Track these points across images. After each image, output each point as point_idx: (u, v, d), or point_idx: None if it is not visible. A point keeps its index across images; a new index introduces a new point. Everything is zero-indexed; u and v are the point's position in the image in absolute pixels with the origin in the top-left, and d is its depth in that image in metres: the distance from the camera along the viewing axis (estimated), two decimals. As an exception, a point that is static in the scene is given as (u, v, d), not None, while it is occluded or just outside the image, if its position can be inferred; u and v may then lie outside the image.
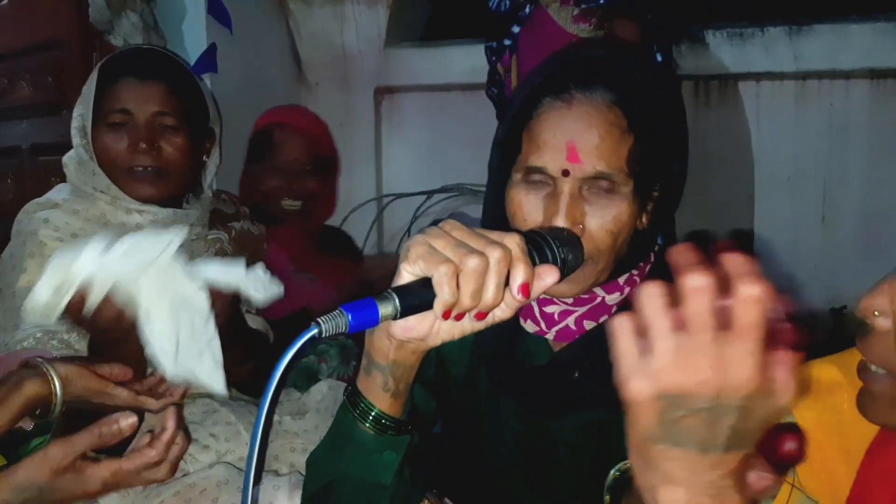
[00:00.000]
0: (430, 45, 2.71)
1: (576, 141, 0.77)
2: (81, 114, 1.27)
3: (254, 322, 1.35)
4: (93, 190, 1.24)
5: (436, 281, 0.62)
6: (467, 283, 0.62)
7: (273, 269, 1.70)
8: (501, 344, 0.90)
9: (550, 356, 0.89)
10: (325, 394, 1.34)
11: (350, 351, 1.48)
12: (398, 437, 0.77)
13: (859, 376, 0.65)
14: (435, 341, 0.69)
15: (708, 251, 0.51)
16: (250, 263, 1.42)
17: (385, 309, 0.62)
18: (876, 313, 0.62)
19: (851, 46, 2.19)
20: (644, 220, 0.84)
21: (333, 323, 0.60)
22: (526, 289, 0.63)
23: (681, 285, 0.48)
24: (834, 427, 0.69)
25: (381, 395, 0.75)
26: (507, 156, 0.85)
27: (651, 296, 0.50)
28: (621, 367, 0.51)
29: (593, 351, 0.85)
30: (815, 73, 2.25)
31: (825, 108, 2.26)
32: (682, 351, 0.49)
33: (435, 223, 0.67)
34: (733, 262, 0.49)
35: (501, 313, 0.67)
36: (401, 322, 0.65)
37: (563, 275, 0.69)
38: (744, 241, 2.26)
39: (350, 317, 0.60)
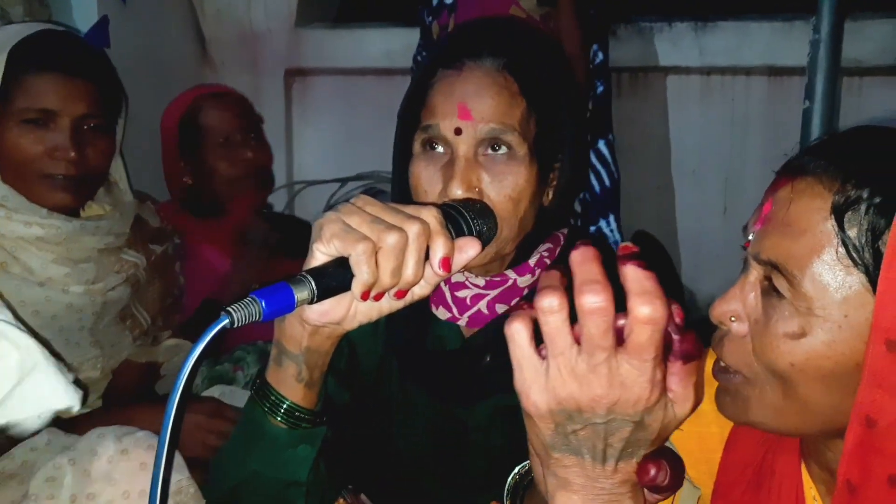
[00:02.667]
0: (344, 26, 2.63)
1: (467, 101, 0.78)
2: None
3: (173, 352, 1.27)
4: None
5: (353, 260, 0.59)
6: (387, 261, 0.60)
7: (210, 272, 1.60)
8: (412, 331, 0.89)
9: (462, 342, 0.89)
10: (216, 396, 1.27)
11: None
12: (313, 429, 0.74)
13: (715, 377, 0.66)
14: (352, 324, 0.67)
15: (637, 255, 0.51)
16: (161, 291, 1.34)
17: (301, 293, 0.59)
18: (732, 319, 0.63)
19: (752, 44, 2.30)
20: (549, 194, 0.85)
21: (246, 311, 0.56)
22: (447, 263, 0.62)
23: (578, 304, 0.49)
24: (714, 417, 0.70)
25: (293, 386, 0.71)
26: (407, 132, 0.84)
27: (549, 311, 0.50)
28: (517, 377, 0.52)
29: (503, 336, 0.87)
30: (718, 68, 2.35)
31: (727, 102, 2.36)
32: (577, 368, 0.50)
33: (347, 200, 0.65)
34: (631, 277, 0.49)
35: (421, 290, 0.65)
36: (316, 306, 0.62)
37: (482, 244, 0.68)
38: (651, 240, 2.34)
39: (263, 303, 0.57)
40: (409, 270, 0.61)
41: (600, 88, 2.08)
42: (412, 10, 2.17)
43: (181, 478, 0.95)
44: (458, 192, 0.77)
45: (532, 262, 0.87)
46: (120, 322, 1.27)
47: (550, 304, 0.50)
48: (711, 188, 2.39)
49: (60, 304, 1.16)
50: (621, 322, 0.50)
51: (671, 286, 0.97)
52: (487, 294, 0.86)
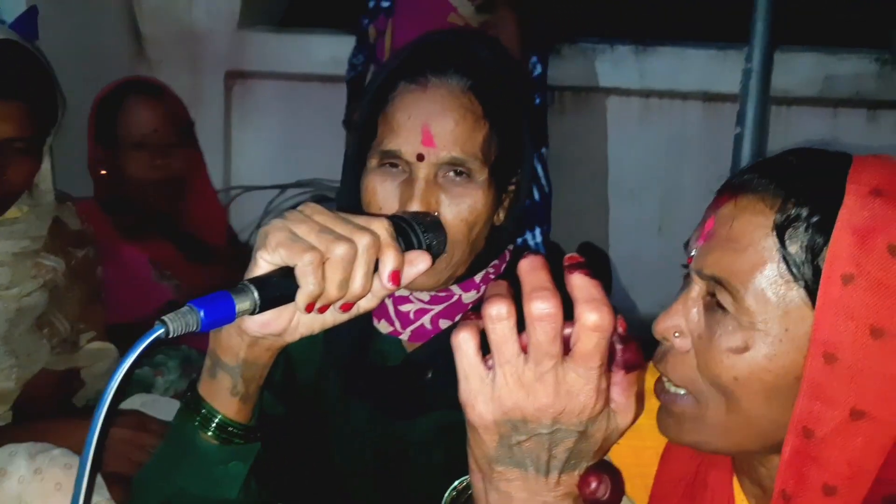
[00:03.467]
0: (289, 30, 2.59)
1: (430, 124, 0.77)
2: None
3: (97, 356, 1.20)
4: None
5: (300, 271, 0.57)
6: (334, 273, 0.58)
7: (130, 278, 1.52)
8: (353, 345, 0.87)
9: (403, 356, 0.88)
10: (138, 408, 1.21)
11: (193, 363, 1.34)
12: (246, 445, 0.71)
13: (658, 396, 0.67)
14: (293, 336, 0.64)
15: (581, 264, 0.51)
16: (82, 298, 1.27)
17: (242, 303, 0.56)
18: (676, 334, 0.63)
19: (689, 69, 2.38)
20: (501, 215, 0.85)
21: (183, 321, 0.53)
22: (397, 276, 0.60)
23: (526, 311, 0.49)
24: (649, 431, 0.71)
25: (227, 400, 0.68)
26: (363, 142, 0.83)
27: (497, 319, 0.50)
28: (462, 388, 0.52)
29: (447, 350, 0.86)
30: (657, 91, 2.42)
31: (665, 125, 2.44)
32: (524, 377, 0.50)
33: (294, 208, 0.62)
34: (577, 285, 0.50)
35: (367, 303, 0.63)
36: (257, 317, 0.59)
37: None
38: (596, 251, 2.38)
39: (202, 313, 0.54)
40: (357, 283, 0.59)
41: (537, 101, 2.10)
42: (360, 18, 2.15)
43: (100, 500, 0.90)
44: (414, 210, 0.76)
45: (477, 278, 0.86)
46: (37, 330, 1.20)
47: (499, 312, 0.49)
48: (648, 207, 2.46)
49: None
50: (567, 331, 0.50)
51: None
52: (431, 309, 0.85)
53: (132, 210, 1.57)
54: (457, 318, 0.85)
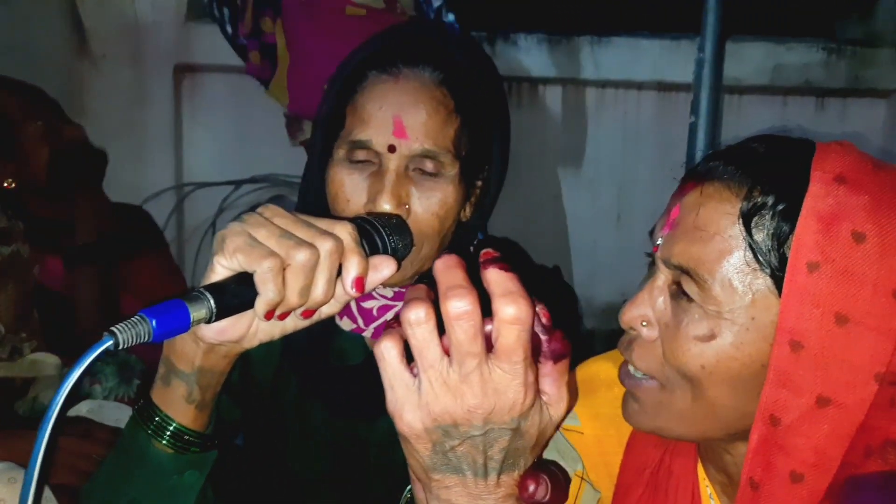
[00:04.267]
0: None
1: (402, 115, 0.75)
2: None
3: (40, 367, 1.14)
4: None
5: (259, 278, 0.55)
6: (295, 280, 0.56)
7: (49, 284, 1.45)
8: (314, 344, 0.85)
9: (365, 354, 0.86)
10: (84, 415, 1.16)
11: (132, 368, 1.28)
12: (202, 454, 0.69)
13: (623, 383, 0.67)
14: (251, 343, 0.62)
15: (501, 259, 0.50)
16: (16, 296, 1.20)
17: (197, 312, 0.54)
18: (643, 324, 0.63)
19: (642, 59, 2.40)
20: (468, 210, 0.85)
21: (133, 332, 0.51)
22: (360, 283, 0.58)
23: (443, 311, 0.48)
24: (611, 420, 0.71)
25: (182, 407, 0.65)
26: (329, 134, 0.80)
27: (416, 323, 0.48)
28: (389, 398, 0.51)
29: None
30: (612, 82, 2.44)
31: (620, 115, 2.45)
32: (449, 379, 0.49)
33: (253, 209, 0.60)
34: (493, 280, 0.49)
35: (329, 309, 0.61)
36: (214, 324, 0.57)
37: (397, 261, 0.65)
38: (554, 242, 2.39)
39: (154, 323, 0.51)
40: (318, 290, 0.57)
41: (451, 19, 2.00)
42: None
43: None
44: (386, 206, 0.74)
45: None
46: None
47: (417, 316, 0.48)
48: (605, 197, 2.48)
49: None
50: (489, 328, 0.49)
51: (568, 302, 0.97)
52: (395, 305, 0.84)
53: (42, 220, 1.50)
54: None
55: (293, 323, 0.62)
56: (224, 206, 2.41)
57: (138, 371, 1.29)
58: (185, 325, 0.53)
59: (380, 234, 0.64)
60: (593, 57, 2.42)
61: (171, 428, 0.66)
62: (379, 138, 0.76)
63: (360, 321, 0.85)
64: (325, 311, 0.61)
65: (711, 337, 0.59)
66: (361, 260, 0.58)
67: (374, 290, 0.84)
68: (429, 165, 0.77)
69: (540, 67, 2.44)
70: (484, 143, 0.82)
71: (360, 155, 0.77)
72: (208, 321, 0.55)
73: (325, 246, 0.56)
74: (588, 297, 2.42)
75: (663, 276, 0.63)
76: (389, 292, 0.84)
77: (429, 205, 0.77)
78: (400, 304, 0.83)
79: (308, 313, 0.60)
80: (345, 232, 0.58)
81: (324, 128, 0.81)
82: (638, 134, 2.43)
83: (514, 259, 0.93)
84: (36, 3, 2.29)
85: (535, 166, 2.40)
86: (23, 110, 1.51)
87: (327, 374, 0.86)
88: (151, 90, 2.46)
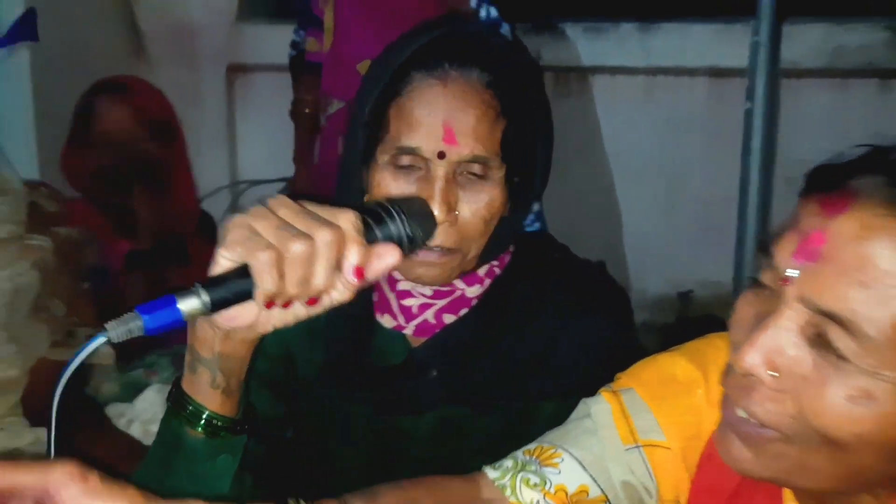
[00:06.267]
0: (285, 21, 2.56)
1: (452, 121, 0.75)
2: None
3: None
4: None
5: (255, 270, 0.56)
6: (292, 271, 0.56)
7: (110, 271, 1.52)
8: (356, 342, 0.86)
9: (407, 352, 0.86)
10: (153, 400, 1.21)
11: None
12: (233, 438, 0.70)
13: (729, 423, 0.57)
14: (265, 328, 0.62)
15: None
16: (75, 277, 1.26)
17: (188, 306, 0.55)
18: (770, 373, 0.53)
19: (694, 45, 2.35)
20: (509, 207, 0.83)
21: (125, 327, 0.53)
22: (360, 272, 0.58)
23: None
24: (696, 431, 0.65)
25: (209, 394, 0.67)
26: (371, 134, 0.80)
27: None
28: None
29: (450, 347, 0.84)
30: (662, 69, 2.39)
31: (670, 102, 2.41)
32: None
33: (262, 201, 0.60)
34: None
35: (339, 296, 0.60)
36: (224, 311, 0.58)
37: (410, 251, 0.63)
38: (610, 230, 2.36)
39: (145, 319, 0.54)
40: (317, 280, 0.57)
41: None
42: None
43: None
44: (436, 213, 0.74)
45: (481, 272, 0.85)
46: (34, 315, 1.20)
47: None
48: (655, 187, 2.44)
49: None
50: None
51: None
52: (435, 304, 0.84)
53: (116, 208, 1.57)
54: (461, 313, 0.84)
55: (305, 310, 0.61)
56: (263, 200, 2.45)
57: None
58: (176, 319, 0.55)
59: (394, 218, 0.62)
60: (642, 44, 2.37)
61: (201, 414, 0.68)
62: (428, 145, 0.75)
63: (401, 319, 0.85)
64: (337, 297, 0.60)
65: (867, 399, 0.50)
66: (360, 249, 0.57)
67: (413, 288, 0.83)
68: (477, 169, 0.77)
69: (587, 56, 2.41)
70: (529, 143, 0.81)
71: (407, 160, 0.77)
72: (207, 313, 0.56)
73: (323, 236, 0.56)
74: (640, 288, 2.38)
75: (796, 317, 0.52)
76: (429, 290, 0.84)
77: (476, 208, 0.77)
78: (439, 302, 0.83)
79: (313, 301, 0.59)
80: (346, 221, 0.58)
81: (365, 128, 0.81)
82: (690, 122, 2.38)
83: (551, 255, 0.92)
84: (95, 7, 2.38)
85: (584, 157, 2.38)
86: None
87: (369, 372, 0.87)
88: (205, 90, 2.53)
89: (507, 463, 0.68)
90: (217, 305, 0.56)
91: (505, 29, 1.94)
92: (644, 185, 2.44)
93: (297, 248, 0.55)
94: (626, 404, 0.68)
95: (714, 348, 0.68)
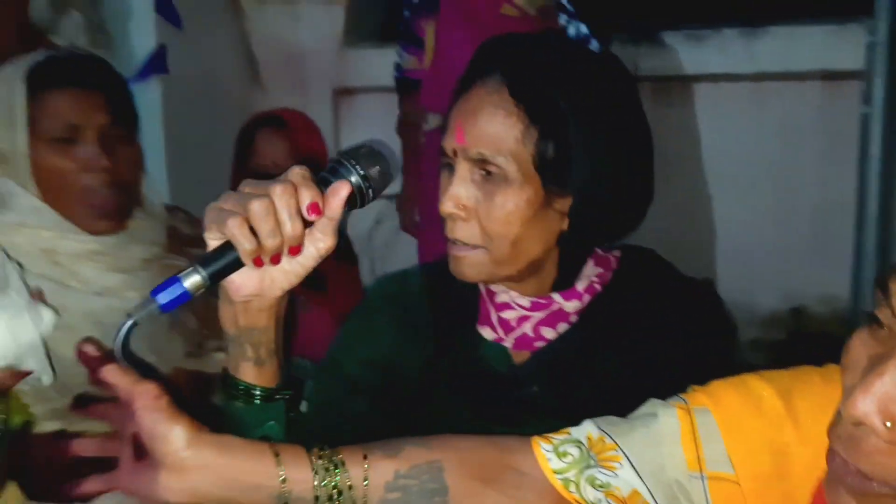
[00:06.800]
0: (390, 45, 2.67)
1: (464, 121, 0.81)
2: None
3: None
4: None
5: (229, 235, 0.64)
6: (260, 225, 0.64)
7: None
8: (459, 349, 0.89)
9: (508, 365, 0.88)
10: None
11: None
12: (271, 403, 0.76)
13: (845, 480, 0.53)
14: (274, 292, 0.70)
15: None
16: (207, 298, 1.35)
17: (190, 281, 0.64)
18: (888, 424, 0.49)
19: (804, 48, 2.25)
20: (564, 223, 0.82)
21: (145, 309, 0.64)
22: (316, 207, 0.65)
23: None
24: (771, 469, 0.61)
25: (245, 367, 0.74)
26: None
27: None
28: None
29: (550, 363, 0.85)
30: (769, 74, 2.30)
31: (780, 108, 2.31)
32: None
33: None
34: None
35: (323, 243, 0.68)
36: (231, 284, 0.67)
37: (374, 188, 0.70)
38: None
39: (158, 298, 0.64)
40: (286, 227, 0.65)
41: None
42: None
43: None
44: (445, 206, 0.80)
45: (580, 287, 0.86)
46: (171, 327, 1.29)
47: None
48: (763, 197, 2.34)
49: (120, 311, 1.19)
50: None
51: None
52: (532, 316, 0.86)
53: None
54: (558, 327, 0.85)
55: (301, 264, 0.68)
56: (380, 217, 2.55)
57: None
58: (183, 294, 0.64)
59: (345, 166, 0.69)
60: (747, 49, 2.30)
61: (238, 386, 0.74)
62: (448, 144, 0.82)
63: (500, 331, 0.87)
64: (321, 246, 0.68)
65: None
66: (309, 189, 0.65)
67: (512, 300, 0.86)
68: (489, 170, 0.80)
69: (689, 65, 2.36)
70: (561, 147, 0.79)
71: (445, 159, 0.84)
72: (208, 285, 0.65)
73: (275, 189, 0.64)
74: (748, 304, 2.29)
75: None
76: (526, 302, 0.86)
77: (491, 209, 0.80)
78: (536, 314, 0.85)
79: (295, 251, 0.67)
80: (294, 173, 0.66)
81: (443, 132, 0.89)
82: (801, 128, 2.27)
83: (655, 272, 0.90)
84: (214, 41, 2.57)
85: (686, 168, 2.33)
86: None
87: (475, 376, 0.89)
88: (313, 112, 2.66)
89: (572, 451, 0.68)
90: (214, 277, 0.65)
91: (594, 45, 1.95)
92: (752, 194, 2.35)
93: (255, 205, 0.64)
94: (699, 428, 0.64)
95: (805, 384, 0.63)
